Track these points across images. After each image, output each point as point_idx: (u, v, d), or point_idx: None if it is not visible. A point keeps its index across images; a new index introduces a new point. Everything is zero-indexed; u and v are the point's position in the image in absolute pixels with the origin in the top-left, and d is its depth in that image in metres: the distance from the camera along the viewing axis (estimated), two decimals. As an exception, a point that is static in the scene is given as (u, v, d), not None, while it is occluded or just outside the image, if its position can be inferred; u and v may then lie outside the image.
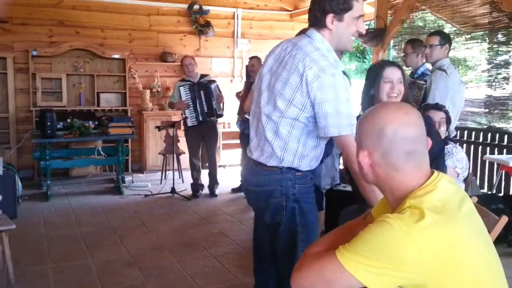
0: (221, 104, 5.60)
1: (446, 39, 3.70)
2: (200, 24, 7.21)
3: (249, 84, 5.14)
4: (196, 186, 5.61)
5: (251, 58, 5.55)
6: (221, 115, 5.59)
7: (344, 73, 1.85)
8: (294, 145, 1.87)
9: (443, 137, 3.01)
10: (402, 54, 4.32)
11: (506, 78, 5.26)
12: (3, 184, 4.29)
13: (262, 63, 2.06)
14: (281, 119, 1.85)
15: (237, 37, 7.63)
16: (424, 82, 3.73)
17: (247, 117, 5.22)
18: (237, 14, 7.61)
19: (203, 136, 5.54)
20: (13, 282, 3.11)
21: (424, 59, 3.97)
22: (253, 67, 5.34)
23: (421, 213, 1.06)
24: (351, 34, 1.89)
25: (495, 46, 5.40)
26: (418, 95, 3.92)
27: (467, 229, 1.10)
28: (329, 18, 1.82)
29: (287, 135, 1.86)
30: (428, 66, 4.02)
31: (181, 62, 5.62)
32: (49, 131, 5.27)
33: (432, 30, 6.33)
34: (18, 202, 4.85)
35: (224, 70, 7.58)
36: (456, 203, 1.13)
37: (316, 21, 1.86)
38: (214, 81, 5.58)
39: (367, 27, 7.36)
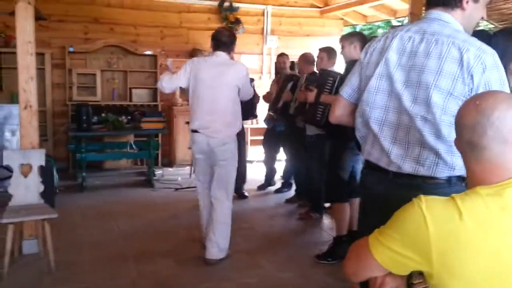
0: (256, 104, 5.46)
1: None
2: (230, 21, 7.27)
3: (284, 79, 5.08)
4: None
5: (281, 55, 5.52)
6: (256, 116, 5.53)
7: None
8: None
9: None
10: None
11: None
12: (44, 175, 4.44)
13: (363, 61, 1.82)
14: (442, 117, 1.57)
15: (266, 34, 7.67)
16: None
17: (271, 113, 5.25)
18: (267, 11, 7.64)
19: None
20: (54, 270, 3.24)
21: None
22: (284, 64, 5.36)
23: (457, 208, 1.02)
24: (479, 19, 1.74)
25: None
26: None
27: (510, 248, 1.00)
28: None
29: (451, 135, 1.56)
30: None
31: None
32: (84, 125, 5.44)
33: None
34: (56, 193, 5.02)
35: (253, 66, 7.62)
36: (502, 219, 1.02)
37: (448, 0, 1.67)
38: (252, 80, 5.54)
39: (399, 24, 7.30)
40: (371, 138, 1.77)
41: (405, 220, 1.07)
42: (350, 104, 1.88)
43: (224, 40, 3.44)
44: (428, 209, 1.04)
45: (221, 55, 3.45)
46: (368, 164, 1.81)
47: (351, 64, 3.51)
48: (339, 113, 1.93)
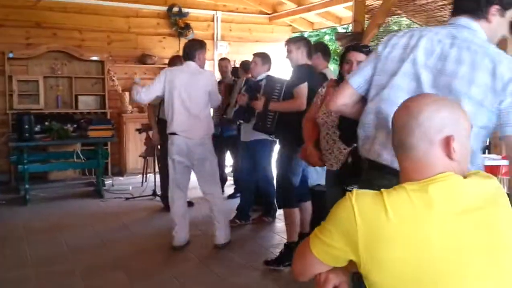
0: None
1: None
2: (179, 27, 7.21)
3: (227, 85, 5.19)
4: None
5: (222, 59, 5.68)
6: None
7: None
8: (479, 160, 1.63)
9: None
10: None
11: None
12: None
13: (382, 53, 1.74)
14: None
15: (217, 39, 7.66)
16: None
17: (225, 117, 5.24)
18: (217, 17, 7.64)
19: None
20: (-6, 287, 3.07)
21: None
22: (226, 68, 5.50)
23: (383, 203, 1.06)
24: (501, 35, 1.71)
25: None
26: None
27: (431, 240, 1.02)
28: (494, 9, 1.63)
29: (476, 147, 1.58)
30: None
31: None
32: (26, 134, 5.18)
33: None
34: (-4, 207, 4.76)
35: (203, 72, 7.59)
36: (441, 208, 1.05)
37: (476, 9, 1.64)
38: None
39: (344, 30, 7.51)
40: (383, 139, 1.67)
41: (337, 213, 1.12)
42: (357, 94, 1.81)
43: (187, 51, 3.82)
44: (357, 202, 1.08)
45: (191, 64, 3.80)
46: (375, 165, 1.71)
47: (298, 69, 3.57)
48: (342, 102, 1.83)
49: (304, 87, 3.42)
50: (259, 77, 4.27)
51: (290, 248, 3.51)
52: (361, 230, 1.06)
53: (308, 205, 3.77)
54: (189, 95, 3.73)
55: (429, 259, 1.02)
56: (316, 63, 3.89)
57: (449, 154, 1.10)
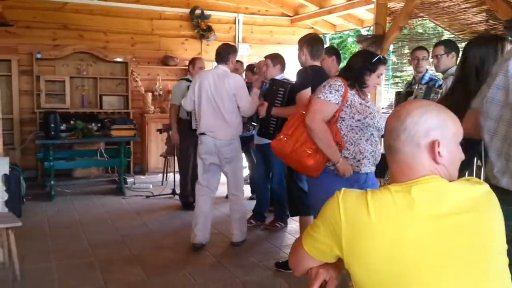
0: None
1: (451, 48, 3.76)
2: (201, 29, 7.32)
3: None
4: None
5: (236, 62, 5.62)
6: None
7: None
8: None
9: None
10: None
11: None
12: (8, 183, 4.38)
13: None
14: None
15: (238, 41, 7.75)
16: (440, 88, 3.80)
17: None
18: (238, 19, 7.73)
19: None
20: (19, 278, 3.21)
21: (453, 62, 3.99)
22: (238, 71, 5.32)
23: (365, 199, 1.12)
24: None
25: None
26: (434, 100, 4.03)
27: (409, 242, 1.06)
28: None
29: None
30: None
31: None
32: (52, 133, 5.38)
33: (431, 37, 6.52)
34: (23, 202, 4.94)
35: (225, 74, 7.68)
36: (422, 210, 1.08)
37: None
38: None
39: (367, 32, 7.49)
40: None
41: (325, 209, 1.19)
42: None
43: (221, 54, 3.91)
44: (343, 199, 1.15)
45: (220, 67, 3.90)
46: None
47: (301, 72, 3.38)
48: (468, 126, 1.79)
49: (306, 93, 3.22)
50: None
51: None
52: (345, 225, 1.12)
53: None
54: (216, 97, 3.81)
55: (403, 257, 1.06)
56: (329, 66, 3.85)
57: (434, 158, 1.14)
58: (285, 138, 2.72)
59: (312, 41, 3.44)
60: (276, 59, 4.22)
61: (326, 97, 2.61)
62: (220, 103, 3.81)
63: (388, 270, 1.07)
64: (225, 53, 3.91)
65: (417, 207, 1.08)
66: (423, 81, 4.18)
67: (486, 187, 1.15)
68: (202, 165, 3.97)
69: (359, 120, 2.64)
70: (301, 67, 3.47)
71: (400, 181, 1.15)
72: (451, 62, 3.75)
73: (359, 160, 2.70)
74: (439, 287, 1.04)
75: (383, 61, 2.72)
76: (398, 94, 4.72)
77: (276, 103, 3.52)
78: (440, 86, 3.85)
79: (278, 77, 4.23)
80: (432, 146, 1.14)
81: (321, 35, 8.71)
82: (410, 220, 1.07)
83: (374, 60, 2.66)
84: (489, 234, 1.10)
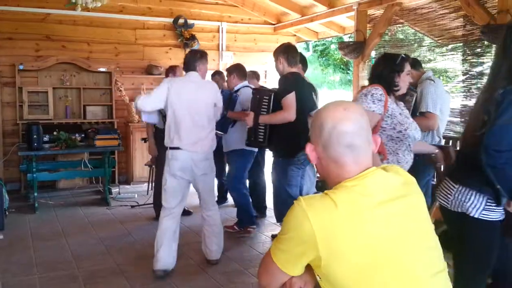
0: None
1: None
2: (185, 38, 7.35)
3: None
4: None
5: (214, 74, 5.68)
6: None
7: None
8: None
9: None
10: None
11: (480, 89, 5.46)
12: (-10, 196, 4.34)
13: None
14: None
15: (222, 50, 7.79)
16: (415, 91, 3.87)
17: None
18: (222, 28, 7.77)
19: None
20: (0, 292, 3.18)
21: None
22: (217, 83, 5.36)
23: (332, 201, 1.18)
24: None
25: (469, 57, 5.62)
26: (410, 101, 4.13)
27: (373, 229, 1.16)
28: None
29: None
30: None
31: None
32: (35, 144, 5.34)
33: (412, 43, 6.63)
34: (6, 215, 4.89)
35: (209, 82, 7.72)
36: (382, 199, 1.20)
37: None
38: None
39: (348, 39, 7.59)
40: None
41: (290, 220, 1.21)
42: None
43: (187, 62, 3.63)
44: (308, 205, 1.19)
45: (194, 74, 3.59)
46: None
47: (282, 79, 3.54)
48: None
49: (291, 97, 3.37)
50: (236, 88, 4.40)
51: None
52: (317, 227, 1.15)
53: None
54: (197, 108, 3.52)
55: (374, 242, 1.15)
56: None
57: (373, 151, 1.30)
58: None
59: (287, 49, 3.57)
60: (233, 70, 4.44)
61: (370, 107, 2.56)
62: (201, 114, 3.53)
63: (367, 258, 1.14)
64: (191, 60, 3.62)
65: (372, 196, 1.19)
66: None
67: (405, 171, 1.33)
68: (174, 183, 3.56)
69: (400, 132, 2.63)
70: (280, 76, 3.55)
71: (353, 175, 1.24)
72: (414, 76, 3.87)
73: None
74: (404, 263, 1.16)
75: (406, 59, 2.73)
76: None
77: (262, 111, 3.58)
78: (415, 90, 3.92)
79: (240, 85, 4.32)
80: (375, 140, 1.31)
81: (304, 42, 8.81)
82: (371, 208, 1.18)
83: (398, 61, 2.67)
84: (425, 211, 1.29)
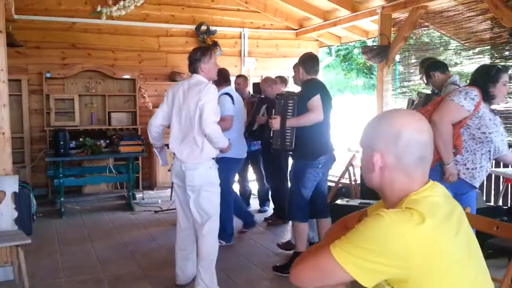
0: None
1: (433, 69, 3.94)
2: (207, 44, 7.40)
3: (258, 102, 5.12)
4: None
5: (238, 77, 5.56)
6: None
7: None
8: None
9: None
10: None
11: (510, 93, 5.32)
12: (18, 201, 4.42)
13: None
14: None
15: (244, 56, 7.82)
16: (438, 95, 3.85)
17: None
18: (244, 34, 7.81)
19: None
20: (28, 295, 3.22)
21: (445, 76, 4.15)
22: (239, 86, 5.34)
23: (420, 215, 1.13)
24: None
25: (497, 61, 5.49)
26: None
27: (455, 238, 1.18)
28: None
29: None
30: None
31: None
32: (62, 150, 5.44)
33: (437, 46, 6.52)
34: (33, 219, 4.99)
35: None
36: (447, 211, 1.21)
37: None
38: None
39: (372, 43, 7.52)
40: None
41: (378, 234, 1.14)
42: None
43: (189, 62, 3.30)
44: (399, 221, 1.14)
45: (195, 77, 3.24)
46: None
47: (306, 84, 3.65)
48: None
49: (317, 99, 3.44)
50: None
51: (296, 256, 3.58)
52: (411, 244, 1.12)
53: (325, 222, 3.74)
54: (183, 110, 3.19)
55: (461, 257, 1.20)
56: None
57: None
58: None
59: (306, 59, 3.70)
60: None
61: (460, 102, 2.76)
62: (187, 117, 3.16)
63: (457, 269, 1.17)
64: (192, 62, 3.27)
65: (443, 207, 1.22)
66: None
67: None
68: (175, 191, 3.41)
69: (483, 133, 2.80)
70: (300, 84, 3.71)
71: (417, 189, 1.24)
72: (440, 79, 3.86)
73: (468, 169, 2.83)
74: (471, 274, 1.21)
75: (503, 70, 2.88)
76: (413, 101, 4.70)
77: (288, 115, 3.60)
78: (438, 94, 3.90)
79: (226, 89, 4.27)
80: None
81: (327, 47, 8.77)
82: (446, 219, 1.19)
83: (493, 72, 2.85)
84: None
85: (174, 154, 3.29)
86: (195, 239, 3.39)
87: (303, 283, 1.26)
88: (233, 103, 4.16)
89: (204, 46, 3.62)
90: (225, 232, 4.25)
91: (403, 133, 1.21)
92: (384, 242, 1.12)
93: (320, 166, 3.59)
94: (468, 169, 2.83)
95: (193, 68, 3.25)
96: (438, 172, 2.83)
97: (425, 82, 4.17)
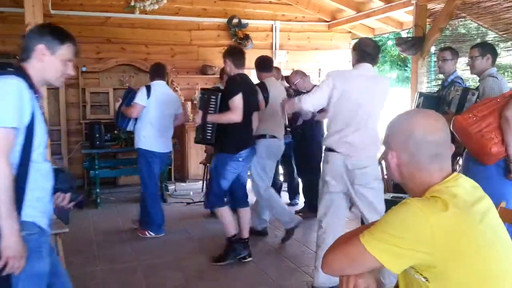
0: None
1: (486, 50, 3.71)
2: (239, 37, 7.42)
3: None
4: None
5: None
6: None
7: None
8: None
9: None
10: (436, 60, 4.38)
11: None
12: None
13: None
14: None
15: (275, 49, 7.79)
16: (476, 89, 3.75)
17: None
18: (275, 27, 7.77)
19: None
20: (66, 282, 3.34)
21: (454, 67, 4.20)
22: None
23: (443, 203, 1.19)
24: None
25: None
26: (456, 96, 3.98)
27: (480, 225, 1.21)
28: None
29: None
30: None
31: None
32: (97, 142, 5.60)
33: (474, 38, 6.31)
34: (71, 210, 5.14)
35: (262, 81, 7.73)
36: (472, 200, 1.25)
37: None
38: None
39: (406, 35, 7.33)
40: None
41: (406, 221, 1.20)
42: None
43: (369, 51, 3.01)
44: (425, 208, 1.19)
45: (368, 67, 3.02)
46: None
47: (229, 81, 3.74)
48: None
49: (238, 99, 3.50)
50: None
51: (230, 242, 3.76)
52: (437, 231, 1.16)
53: (244, 212, 3.87)
54: (364, 106, 3.00)
55: (482, 238, 1.22)
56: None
57: None
58: (474, 118, 2.87)
59: (233, 53, 3.76)
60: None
61: None
62: (370, 114, 3.07)
63: (482, 257, 1.19)
64: (376, 53, 3.11)
65: (468, 196, 1.25)
66: (446, 83, 4.20)
67: None
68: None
69: None
70: (228, 77, 3.77)
71: (438, 181, 1.30)
72: (486, 64, 3.71)
73: None
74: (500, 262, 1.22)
75: None
76: (423, 95, 4.58)
77: (210, 110, 3.68)
78: (477, 88, 3.76)
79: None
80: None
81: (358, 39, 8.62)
82: (471, 207, 1.23)
83: None
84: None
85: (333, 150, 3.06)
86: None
87: (335, 272, 1.34)
88: (148, 96, 4.59)
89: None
90: (154, 224, 4.49)
91: (415, 133, 1.30)
92: (409, 228, 1.17)
93: (241, 160, 3.69)
94: None
95: (369, 58, 3.05)
96: (501, 167, 2.82)
97: (472, 65, 3.92)
